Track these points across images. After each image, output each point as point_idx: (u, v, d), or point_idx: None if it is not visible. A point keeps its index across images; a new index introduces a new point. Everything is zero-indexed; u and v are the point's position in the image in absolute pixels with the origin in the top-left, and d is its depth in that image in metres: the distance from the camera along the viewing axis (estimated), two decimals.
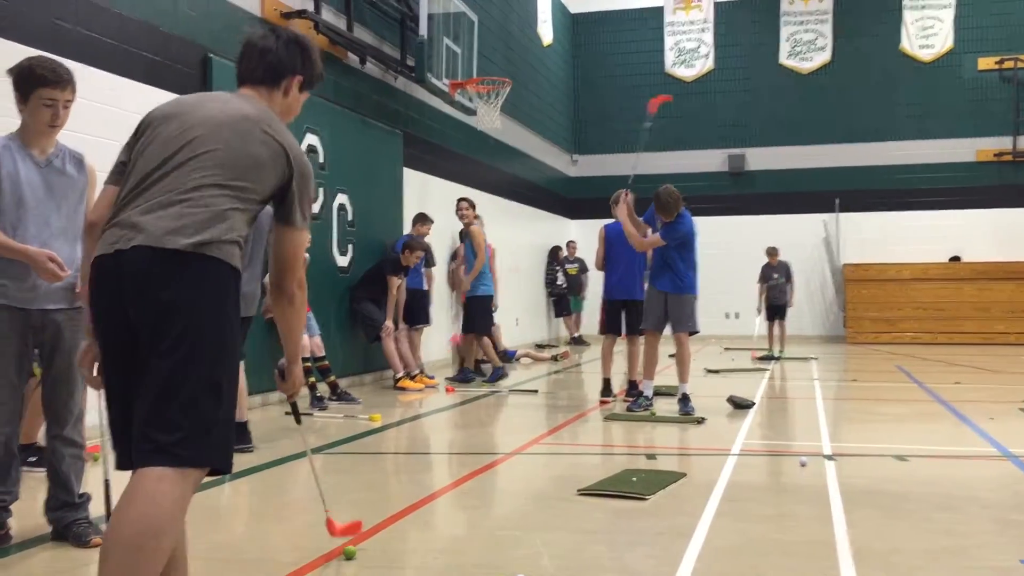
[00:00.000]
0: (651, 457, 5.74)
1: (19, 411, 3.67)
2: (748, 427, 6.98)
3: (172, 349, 2.30)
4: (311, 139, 9.13)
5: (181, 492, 2.28)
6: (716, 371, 11.47)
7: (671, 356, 10.60)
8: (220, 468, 2.41)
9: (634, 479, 4.93)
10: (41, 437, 4.77)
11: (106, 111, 6.42)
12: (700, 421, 7.18)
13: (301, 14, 8.86)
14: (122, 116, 6.60)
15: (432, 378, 10.04)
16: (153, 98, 6.99)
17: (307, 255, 3.00)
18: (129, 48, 6.82)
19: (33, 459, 4.88)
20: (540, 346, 15.97)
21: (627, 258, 8.47)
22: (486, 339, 10.56)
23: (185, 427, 2.29)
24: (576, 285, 17.41)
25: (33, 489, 3.95)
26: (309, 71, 2.83)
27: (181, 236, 2.33)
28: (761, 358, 13.44)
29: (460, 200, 10.97)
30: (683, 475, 5.11)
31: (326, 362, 8.37)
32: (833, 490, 4.75)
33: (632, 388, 8.41)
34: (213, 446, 2.36)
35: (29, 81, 3.60)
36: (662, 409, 7.73)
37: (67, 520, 3.72)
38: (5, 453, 3.60)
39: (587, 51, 20.03)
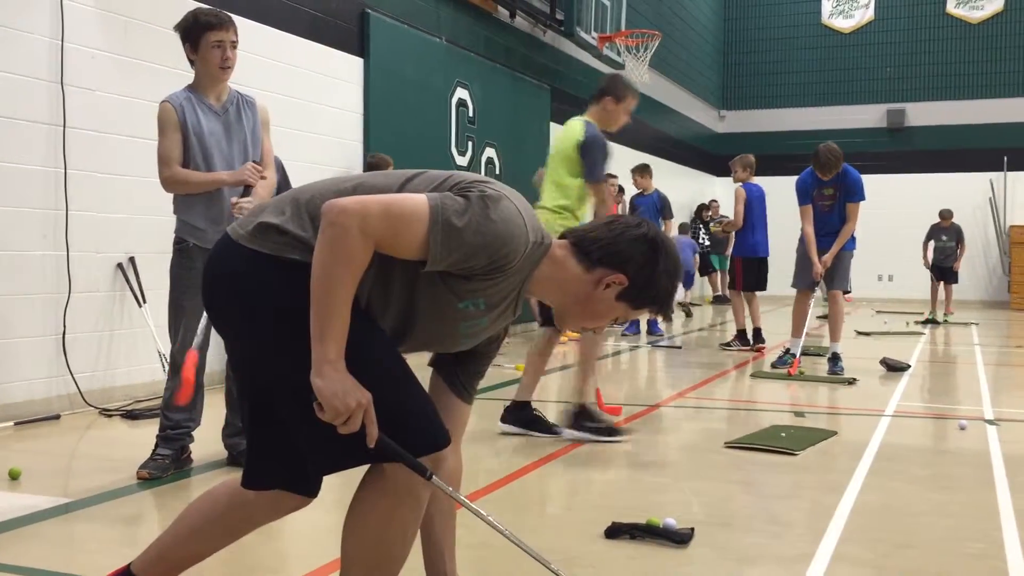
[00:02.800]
0: (799, 415, 5.64)
1: (207, 345, 3.92)
2: (903, 390, 6.76)
3: None
4: (461, 93, 9.26)
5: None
6: (867, 333, 11.09)
7: (820, 318, 10.28)
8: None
9: (783, 435, 4.87)
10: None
11: (271, 65, 6.69)
12: (851, 382, 6.99)
13: None
14: (286, 70, 6.87)
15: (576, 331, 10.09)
16: (314, 52, 7.26)
17: None
18: (292, 4, 7.07)
19: None
20: (682, 304, 15.78)
21: (766, 217, 9.22)
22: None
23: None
24: (721, 243, 17.10)
25: (212, 416, 4.24)
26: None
27: None
28: (923, 322, 12.88)
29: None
30: (834, 433, 5.01)
31: None
32: (996, 454, 4.56)
33: (756, 337, 9.13)
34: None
35: (196, 28, 3.83)
36: (810, 369, 7.56)
37: (241, 447, 3.98)
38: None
39: (739, 2, 19.44)
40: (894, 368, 7.67)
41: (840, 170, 7.37)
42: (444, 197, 1.85)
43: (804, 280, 7.62)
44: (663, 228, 10.70)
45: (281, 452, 2.00)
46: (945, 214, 14.07)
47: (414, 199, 1.83)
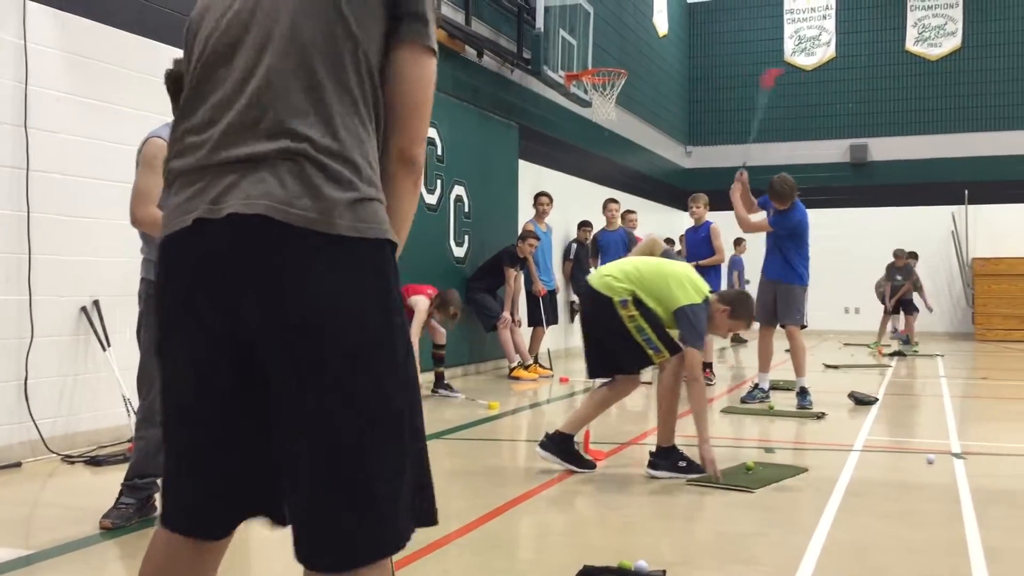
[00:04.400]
0: (769, 451, 5.66)
1: None
2: (871, 423, 6.80)
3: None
4: (430, 132, 9.29)
5: None
6: (835, 366, 11.18)
7: (787, 351, 10.41)
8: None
9: (748, 471, 4.87)
10: None
11: None
12: (820, 416, 7.03)
13: None
14: None
15: (547, 368, 10.10)
16: None
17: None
18: None
19: None
20: None
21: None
22: None
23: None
24: None
25: None
26: None
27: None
28: (890, 354, 13.04)
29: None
30: (804, 469, 5.02)
31: (442, 351, 8.53)
32: (963, 488, 4.59)
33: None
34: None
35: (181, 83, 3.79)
36: (779, 404, 7.60)
37: None
38: None
39: (703, 41, 19.75)
40: (862, 401, 7.72)
41: (793, 201, 7.55)
42: None
43: (763, 314, 7.71)
44: None
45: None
46: (899, 253, 14.47)
47: None
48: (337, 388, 1.52)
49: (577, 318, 8.24)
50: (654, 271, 4.85)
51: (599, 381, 5.18)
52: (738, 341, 16.27)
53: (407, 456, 1.58)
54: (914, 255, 15.05)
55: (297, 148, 1.54)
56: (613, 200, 11.43)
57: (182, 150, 1.64)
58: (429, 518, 1.63)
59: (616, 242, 10.56)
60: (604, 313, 4.80)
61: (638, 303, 4.73)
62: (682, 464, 4.76)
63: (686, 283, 4.84)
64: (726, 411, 7.36)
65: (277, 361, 1.54)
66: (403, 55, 1.62)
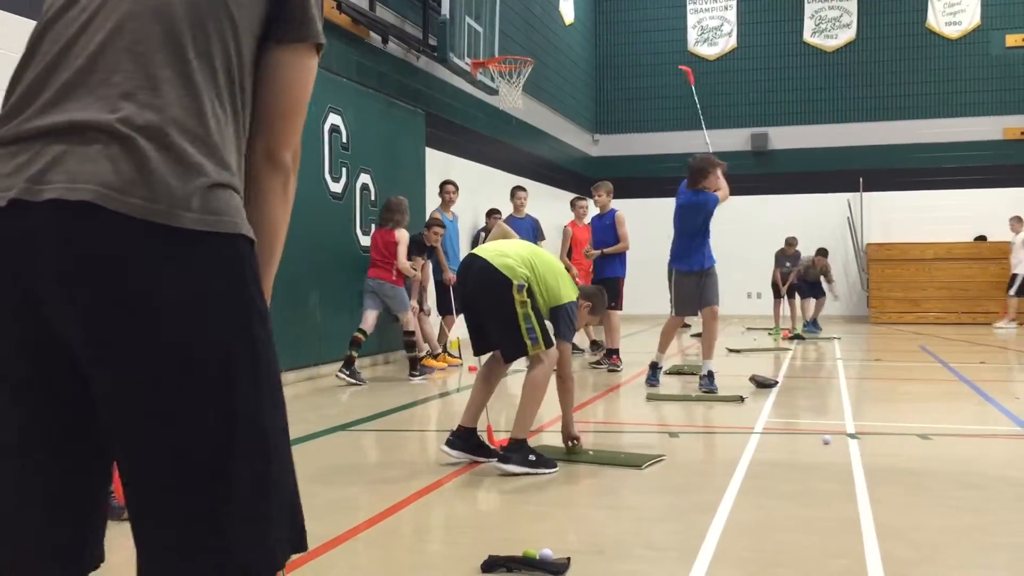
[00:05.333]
0: (674, 435, 5.76)
1: None
2: (771, 406, 6.99)
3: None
4: (334, 119, 9.16)
5: None
6: (738, 351, 11.46)
7: (695, 336, 10.62)
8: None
9: (590, 453, 4.99)
10: None
11: None
12: (741, 399, 7.17)
13: None
14: None
15: (456, 356, 10.09)
16: None
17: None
18: None
19: None
20: None
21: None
22: None
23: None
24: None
25: None
26: None
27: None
28: (790, 338, 13.41)
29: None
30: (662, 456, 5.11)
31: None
32: (857, 468, 4.76)
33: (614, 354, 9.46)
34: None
35: None
36: (673, 387, 7.76)
37: None
38: None
39: (609, 30, 19.94)
40: (763, 384, 7.93)
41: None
42: None
43: (689, 306, 7.90)
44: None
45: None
46: (791, 241, 14.96)
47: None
48: (186, 409, 1.31)
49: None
50: (547, 264, 4.86)
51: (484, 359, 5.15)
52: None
53: (278, 479, 1.40)
54: (823, 251, 15.39)
55: (141, 121, 1.32)
56: (521, 188, 11.47)
57: (7, 112, 1.39)
58: (301, 543, 1.45)
59: (525, 229, 10.59)
60: (496, 292, 4.68)
61: (531, 293, 4.73)
62: (532, 458, 4.68)
63: (568, 279, 4.93)
64: (651, 398, 7.43)
65: (105, 381, 1.31)
66: (283, 50, 1.49)
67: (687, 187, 7.88)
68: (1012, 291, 15.87)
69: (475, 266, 4.83)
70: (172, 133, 1.33)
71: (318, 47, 1.53)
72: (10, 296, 1.34)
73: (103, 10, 1.39)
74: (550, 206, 16.73)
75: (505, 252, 4.82)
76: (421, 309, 9.75)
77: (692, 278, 7.87)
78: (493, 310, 4.76)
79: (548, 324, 4.83)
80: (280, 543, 1.40)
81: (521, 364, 5.29)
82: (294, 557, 1.45)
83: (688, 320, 8.51)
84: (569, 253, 11.00)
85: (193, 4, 1.41)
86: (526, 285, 4.69)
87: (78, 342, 1.32)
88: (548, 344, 4.75)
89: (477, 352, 5.06)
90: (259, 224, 1.50)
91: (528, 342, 4.69)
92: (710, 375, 7.65)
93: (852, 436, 5.63)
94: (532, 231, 10.63)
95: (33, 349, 1.35)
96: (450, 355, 10.03)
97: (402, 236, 8.77)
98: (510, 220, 11.17)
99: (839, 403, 7.25)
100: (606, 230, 9.88)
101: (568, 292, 4.85)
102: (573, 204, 11.55)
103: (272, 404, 1.41)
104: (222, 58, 1.41)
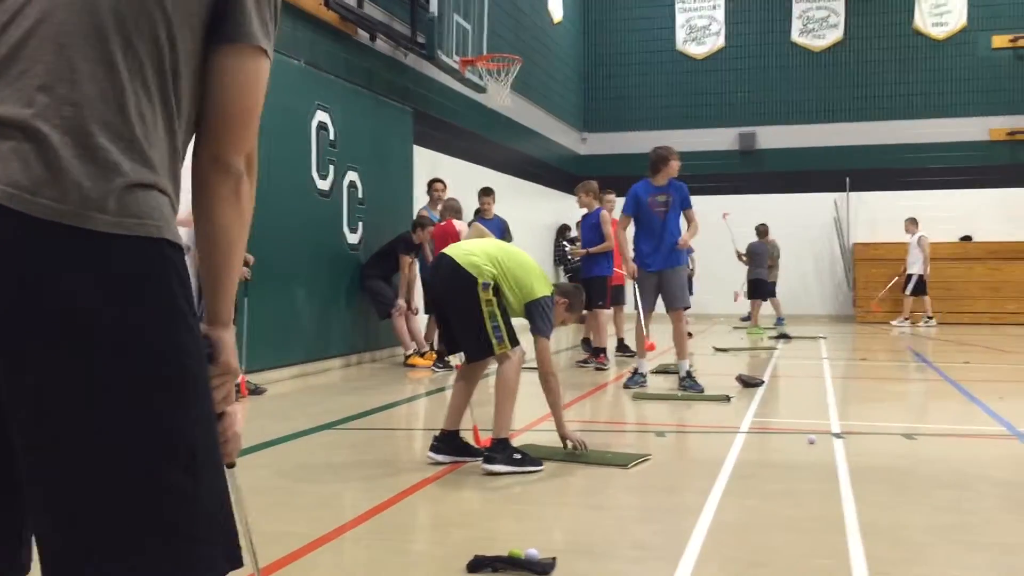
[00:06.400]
0: (660, 435, 5.77)
1: None
2: (756, 405, 7.01)
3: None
4: (321, 116, 9.13)
5: None
6: (724, 350, 11.49)
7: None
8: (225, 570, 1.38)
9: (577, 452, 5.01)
10: None
11: None
12: (727, 399, 7.18)
13: None
14: None
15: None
16: None
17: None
18: None
19: None
20: None
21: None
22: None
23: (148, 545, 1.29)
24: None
25: None
26: None
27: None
28: (776, 337, 13.46)
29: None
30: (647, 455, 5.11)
31: None
32: (841, 468, 4.78)
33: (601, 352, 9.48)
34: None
35: None
36: (660, 387, 7.77)
37: None
38: None
39: (597, 28, 19.94)
40: (749, 384, 7.95)
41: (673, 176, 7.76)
42: None
43: (648, 303, 7.84)
44: None
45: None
46: (762, 230, 15.59)
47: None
48: (103, 423, 1.24)
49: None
50: (516, 260, 4.85)
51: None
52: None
53: (206, 499, 1.33)
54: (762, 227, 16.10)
55: (56, 116, 1.26)
56: (487, 191, 11.36)
57: None
58: (236, 559, 1.38)
59: (494, 231, 10.56)
60: (462, 291, 4.69)
61: (496, 290, 4.73)
62: (517, 456, 4.66)
63: (541, 275, 4.93)
64: (637, 397, 7.43)
65: (17, 393, 1.24)
66: (223, 51, 1.42)
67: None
68: (907, 291, 16.40)
69: (443, 265, 4.84)
70: (89, 129, 1.27)
71: (262, 50, 1.45)
72: None
73: (30, 3, 1.32)
74: (538, 204, 16.75)
75: (472, 251, 4.82)
76: (409, 307, 9.74)
77: (652, 277, 7.81)
78: (459, 309, 4.77)
79: (519, 322, 4.85)
80: (209, 560, 1.33)
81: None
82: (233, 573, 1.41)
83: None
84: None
85: (133, 3, 1.33)
86: (491, 283, 4.69)
87: None
88: (514, 343, 4.75)
89: (449, 352, 5.07)
90: (210, 233, 1.44)
91: (494, 341, 4.68)
92: (689, 375, 7.66)
93: (837, 436, 5.65)
94: (500, 231, 10.66)
95: None
96: (437, 354, 10.02)
97: (462, 227, 9.10)
98: (480, 221, 11.13)
99: (824, 403, 7.28)
100: (592, 229, 9.89)
101: (541, 287, 4.85)
102: (601, 199, 11.24)
103: (199, 418, 1.34)
104: (151, 51, 1.34)
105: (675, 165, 7.81)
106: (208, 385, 1.40)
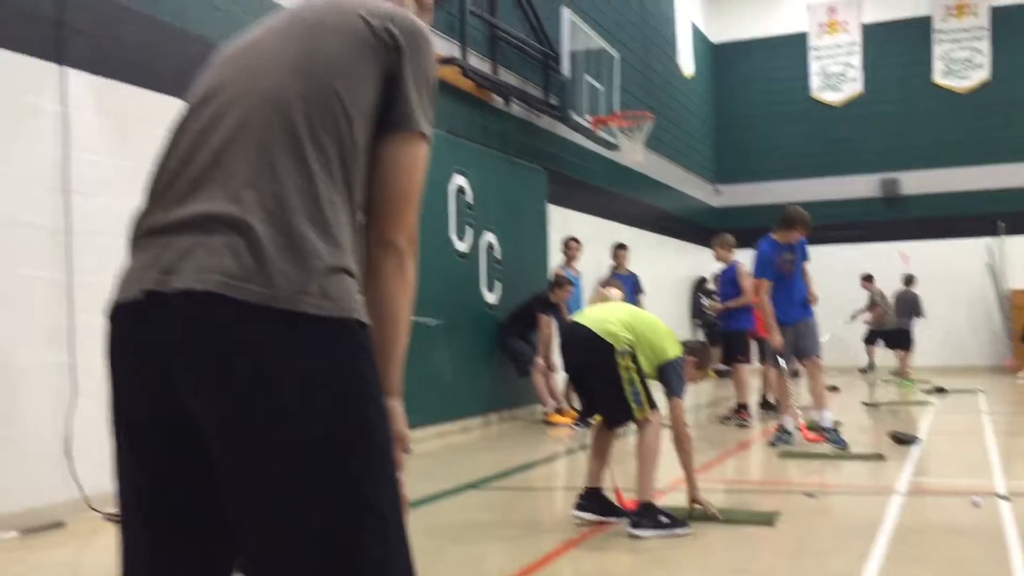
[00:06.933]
0: (810, 495, 5.58)
1: None
2: (912, 464, 6.71)
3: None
4: (459, 180, 9.39)
5: None
6: (874, 404, 11.03)
7: (830, 388, 10.38)
8: None
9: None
10: None
11: None
12: (880, 457, 6.90)
13: (450, 61, 9.16)
14: None
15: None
16: None
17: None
18: None
19: None
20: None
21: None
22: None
23: None
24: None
25: None
26: None
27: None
28: (929, 390, 12.82)
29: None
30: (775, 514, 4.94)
31: None
32: (1010, 532, 4.51)
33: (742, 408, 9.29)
34: None
35: None
36: (806, 443, 7.52)
37: None
38: None
39: (729, 80, 19.80)
40: (903, 441, 7.61)
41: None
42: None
43: (786, 355, 7.76)
44: (638, 304, 11.02)
45: None
46: (908, 278, 15.12)
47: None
48: (304, 490, 1.37)
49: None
50: (647, 324, 4.91)
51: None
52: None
53: (396, 561, 1.45)
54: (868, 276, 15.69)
55: (260, 209, 1.41)
56: (622, 246, 11.56)
57: (148, 203, 1.54)
58: None
59: (626, 287, 10.53)
60: (600, 360, 4.74)
61: (634, 358, 4.75)
62: (664, 520, 4.60)
63: (671, 336, 4.95)
64: (784, 455, 7.22)
65: (231, 459, 1.39)
66: (389, 139, 1.56)
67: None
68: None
69: (578, 335, 4.92)
70: (290, 219, 1.41)
71: (424, 136, 1.58)
72: (147, 382, 1.44)
73: (232, 108, 1.50)
74: (672, 258, 16.63)
75: (606, 319, 4.87)
76: (547, 365, 9.80)
77: (788, 331, 7.77)
78: (598, 377, 4.84)
79: (654, 383, 4.86)
80: None
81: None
82: None
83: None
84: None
85: (307, 95, 1.49)
86: (628, 350, 4.72)
87: (206, 422, 1.40)
88: (653, 406, 4.79)
89: (586, 415, 5.12)
90: (378, 307, 1.54)
91: (634, 406, 4.74)
92: (833, 428, 7.47)
93: (1003, 497, 5.34)
94: (632, 288, 10.70)
95: (168, 427, 1.45)
96: (576, 411, 10.01)
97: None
98: (614, 276, 11.12)
99: (987, 461, 6.89)
100: (729, 283, 9.77)
101: (673, 348, 4.88)
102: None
103: (388, 488, 1.45)
104: (335, 144, 1.48)
105: (805, 233, 7.80)
106: (393, 456, 1.51)
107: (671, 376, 4.84)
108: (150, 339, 1.43)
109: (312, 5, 1.62)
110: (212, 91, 1.56)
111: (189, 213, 1.45)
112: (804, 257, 7.92)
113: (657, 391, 4.86)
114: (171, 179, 1.51)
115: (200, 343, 1.38)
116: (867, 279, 15.56)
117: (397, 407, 1.60)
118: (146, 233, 1.50)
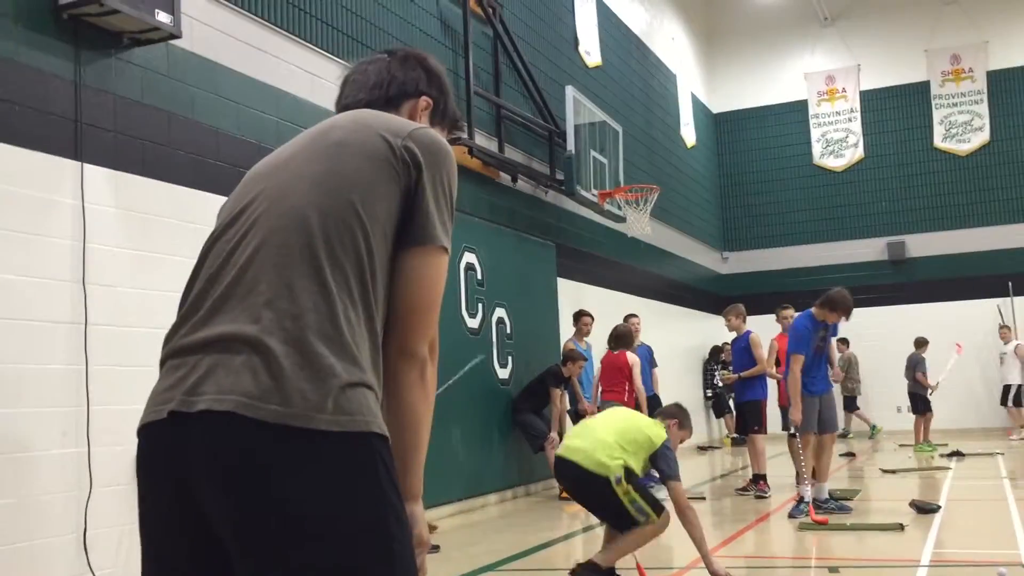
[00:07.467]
0: (834, 571, 5.50)
1: None
2: (936, 534, 6.61)
3: None
4: (469, 257, 9.47)
5: None
6: (893, 471, 10.90)
7: (843, 455, 10.27)
8: None
9: None
10: None
11: None
12: (901, 527, 6.81)
13: (456, 141, 9.30)
14: None
15: None
16: None
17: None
18: None
19: None
20: (701, 448, 15.65)
21: None
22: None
23: None
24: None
25: None
26: (438, 89, 1.91)
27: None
28: (948, 455, 12.65)
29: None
30: None
31: None
32: None
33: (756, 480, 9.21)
34: None
35: None
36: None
37: None
38: None
39: (731, 149, 20.04)
40: (924, 510, 7.51)
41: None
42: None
43: (813, 424, 7.82)
44: (653, 379, 11.09)
45: None
46: (920, 341, 14.94)
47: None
48: None
49: None
50: (627, 425, 5.00)
51: None
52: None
53: None
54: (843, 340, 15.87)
55: (279, 329, 1.46)
56: (633, 315, 11.64)
57: (174, 327, 1.60)
58: None
59: (640, 358, 10.51)
60: (598, 493, 4.84)
61: (629, 473, 4.77)
62: None
63: (650, 423, 5.05)
64: (803, 527, 7.12)
65: (250, 573, 1.44)
66: (409, 252, 1.60)
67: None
68: (1010, 403, 15.69)
69: (569, 475, 4.95)
70: (307, 338, 1.46)
71: (444, 249, 1.63)
72: (174, 499, 1.51)
73: (255, 227, 1.57)
74: (682, 327, 16.63)
75: (594, 448, 4.86)
76: (561, 440, 9.74)
77: (815, 401, 7.93)
78: (598, 507, 5.00)
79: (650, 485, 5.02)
80: None
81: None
82: None
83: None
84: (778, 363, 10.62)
85: (328, 216, 1.55)
86: (622, 474, 4.78)
87: (226, 536, 1.46)
88: (658, 511, 4.86)
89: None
90: (400, 416, 1.58)
91: (640, 520, 4.82)
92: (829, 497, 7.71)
93: None
94: (646, 359, 10.77)
95: (189, 541, 1.51)
96: None
97: (633, 359, 9.43)
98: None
99: (1011, 529, 6.79)
100: (742, 352, 9.73)
101: (657, 433, 4.96)
102: (778, 314, 10.51)
103: None
104: (354, 263, 1.53)
105: (846, 318, 7.92)
106: (413, 561, 1.53)
107: (662, 461, 4.90)
108: (175, 458, 1.49)
109: (339, 124, 1.69)
110: (239, 210, 1.63)
111: (213, 333, 1.51)
112: (834, 334, 8.14)
113: None
114: (198, 299, 1.58)
115: (219, 461, 1.44)
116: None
117: (418, 511, 1.63)
118: (175, 352, 1.57)
